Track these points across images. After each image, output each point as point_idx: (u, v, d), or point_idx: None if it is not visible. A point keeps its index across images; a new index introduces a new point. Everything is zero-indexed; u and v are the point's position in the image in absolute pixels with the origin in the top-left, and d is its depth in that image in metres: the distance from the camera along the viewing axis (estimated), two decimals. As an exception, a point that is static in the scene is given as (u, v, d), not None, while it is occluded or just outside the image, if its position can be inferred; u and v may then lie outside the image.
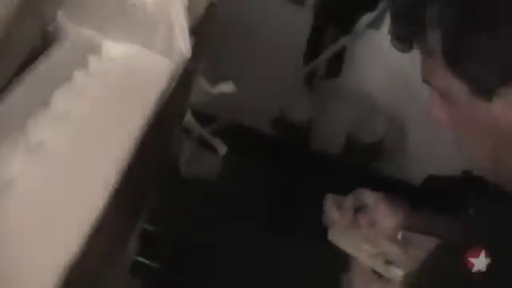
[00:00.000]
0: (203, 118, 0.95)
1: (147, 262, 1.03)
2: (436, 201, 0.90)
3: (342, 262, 0.81)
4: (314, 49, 1.25)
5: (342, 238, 0.82)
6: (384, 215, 0.80)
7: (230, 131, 1.15)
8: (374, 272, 0.76)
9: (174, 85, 0.56)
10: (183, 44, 0.55)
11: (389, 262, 0.75)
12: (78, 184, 0.42)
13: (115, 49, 0.55)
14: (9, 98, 0.45)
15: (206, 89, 0.79)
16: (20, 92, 0.47)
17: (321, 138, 1.40)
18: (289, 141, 1.34)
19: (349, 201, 0.83)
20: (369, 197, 0.82)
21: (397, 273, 0.73)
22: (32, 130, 0.45)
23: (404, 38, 0.62)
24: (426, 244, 0.76)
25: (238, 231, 1.12)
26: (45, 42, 0.53)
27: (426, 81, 0.64)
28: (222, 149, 0.91)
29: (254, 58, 1.30)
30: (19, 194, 0.41)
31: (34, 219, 0.39)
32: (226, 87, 0.81)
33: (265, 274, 1.08)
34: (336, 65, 1.26)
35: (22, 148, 0.44)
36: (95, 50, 0.55)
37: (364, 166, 1.36)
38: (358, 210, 0.83)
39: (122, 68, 0.53)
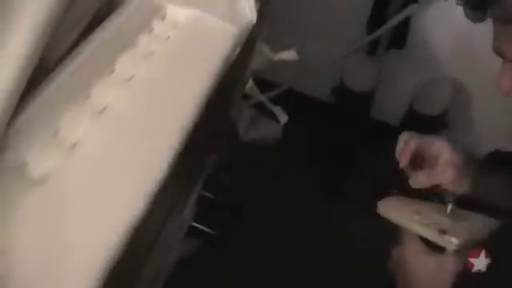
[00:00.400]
0: (263, 84, 0.94)
1: (202, 227, 1.04)
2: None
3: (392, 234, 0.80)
4: (378, 17, 1.22)
5: (392, 210, 0.81)
6: (450, 181, 0.77)
7: (289, 98, 1.14)
8: (427, 243, 0.75)
9: (238, 51, 0.55)
10: (248, 9, 0.54)
11: (443, 232, 0.73)
12: (143, 148, 0.42)
13: (179, 13, 0.55)
14: (73, 62, 0.46)
15: (268, 56, 0.78)
16: (84, 56, 0.47)
17: (381, 108, 1.38)
18: (349, 110, 1.32)
19: (415, 141, 0.79)
20: (445, 152, 0.78)
21: (451, 241, 0.72)
22: (96, 95, 0.46)
23: (477, 6, 0.59)
24: (474, 221, 0.76)
25: (295, 198, 1.12)
26: (109, 6, 0.53)
27: (498, 51, 0.61)
28: (283, 117, 0.90)
29: (316, 25, 1.29)
30: (84, 156, 0.41)
31: (98, 182, 0.40)
32: (289, 54, 0.80)
33: (319, 241, 1.08)
34: (401, 34, 1.23)
35: (86, 112, 0.44)
36: (159, 14, 0.55)
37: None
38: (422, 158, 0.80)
39: (185, 33, 0.53)
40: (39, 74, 0.43)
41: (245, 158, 1.05)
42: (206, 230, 1.03)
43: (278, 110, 0.91)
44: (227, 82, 0.55)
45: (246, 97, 0.91)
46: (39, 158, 0.40)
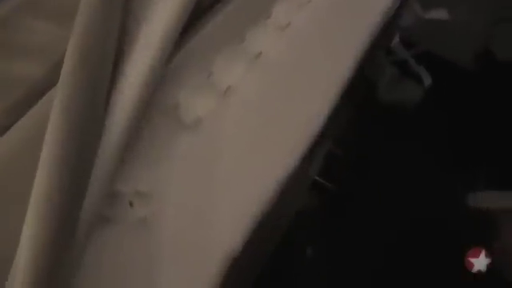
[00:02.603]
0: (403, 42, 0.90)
1: (325, 182, 1.04)
2: None
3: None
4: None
5: None
6: None
7: (427, 60, 1.09)
8: None
9: (397, 5, 0.52)
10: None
11: None
12: (297, 100, 0.40)
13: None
14: (228, 7, 0.44)
15: (417, 13, 0.74)
16: (240, 2, 0.45)
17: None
18: (493, 80, 1.25)
19: None
20: None
21: None
22: (251, 40, 0.44)
23: None
24: None
25: (422, 166, 1.09)
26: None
27: None
28: (427, 79, 0.86)
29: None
30: (237, 103, 0.40)
31: (250, 131, 0.39)
32: (440, 13, 0.76)
33: (432, 213, 1.05)
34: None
35: (240, 57, 0.43)
36: (319, -40, 0.52)
37: None
38: None
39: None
40: (194, 15, 0.42)
41: (380, 118, 1.03)
42: (327, 184, 1.02)
43: (422, 71, 0.87)
44: (377, 37, 0.53)
45: (388, 54, 0.87)
46: (191, 101, 0.40)
